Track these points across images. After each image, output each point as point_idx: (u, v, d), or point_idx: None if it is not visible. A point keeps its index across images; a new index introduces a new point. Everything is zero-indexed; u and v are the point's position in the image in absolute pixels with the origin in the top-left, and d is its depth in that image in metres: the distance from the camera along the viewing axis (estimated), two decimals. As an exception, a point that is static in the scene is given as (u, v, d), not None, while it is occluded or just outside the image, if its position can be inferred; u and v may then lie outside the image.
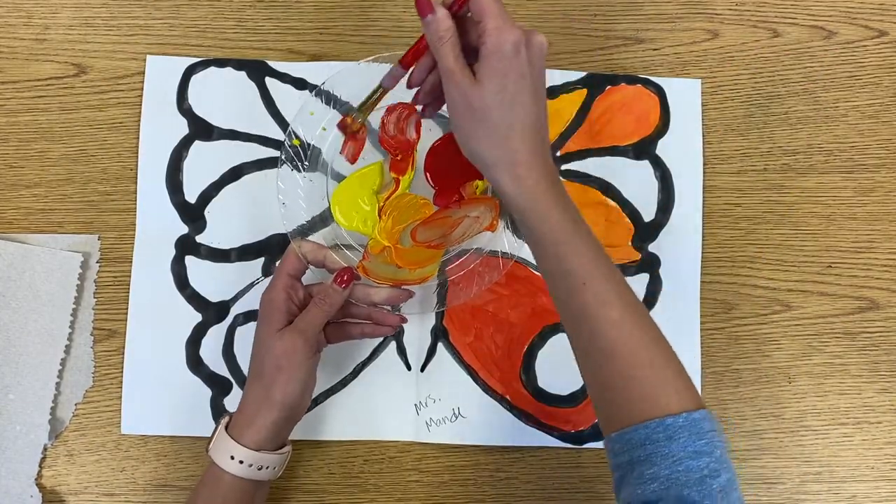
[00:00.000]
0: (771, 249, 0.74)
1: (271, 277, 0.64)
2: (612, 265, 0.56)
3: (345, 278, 0.64)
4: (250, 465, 0.60)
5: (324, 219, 0.70)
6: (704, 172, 0.74)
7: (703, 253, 0.73)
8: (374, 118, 0.66)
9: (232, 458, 0.60)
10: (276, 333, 0.62)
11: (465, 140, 0.57)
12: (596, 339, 0.55)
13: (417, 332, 0.72)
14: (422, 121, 0.67)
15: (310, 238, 0.68)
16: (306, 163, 0.70)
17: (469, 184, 0.68)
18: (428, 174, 0.68)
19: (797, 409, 0.72)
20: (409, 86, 0.61)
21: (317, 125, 0.69)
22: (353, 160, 0.68)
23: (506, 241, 0.69)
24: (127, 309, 0.71)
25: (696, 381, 0.72)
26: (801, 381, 0.73)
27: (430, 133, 0.70)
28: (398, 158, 0.68)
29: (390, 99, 0.63)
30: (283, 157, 0.69)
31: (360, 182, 0.69)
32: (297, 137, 0.69)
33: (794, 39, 0.76)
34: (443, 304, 0.70)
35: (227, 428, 0.62)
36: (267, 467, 0.61)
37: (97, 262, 0.72)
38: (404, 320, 0.69)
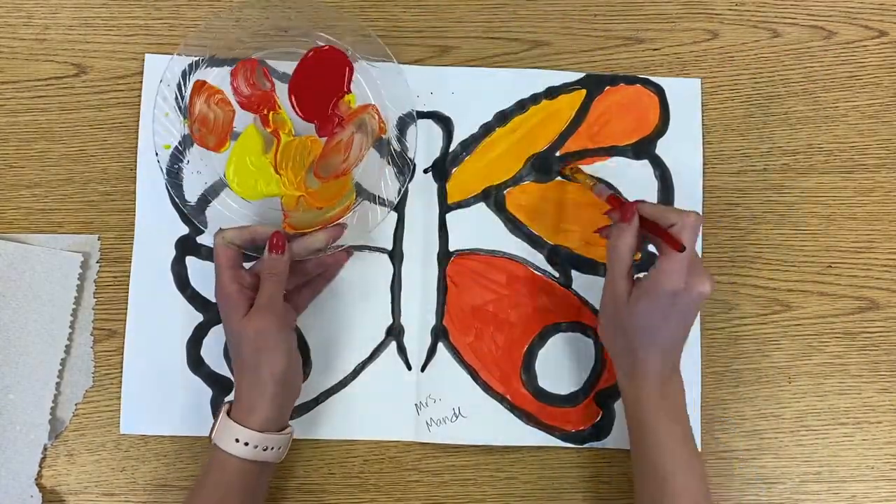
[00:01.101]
0: (771, 249, 0.74)
1: (215, 277, 0.65)
2: (700, 468, 0.63)
3: (277, 243, 0.64)
4: (255, 447, 0.61)
5: (216, 189, 0.71)
6: (704, 172, 0.74)
7: (702, 252, 0.73)
8: (225, 85, 0.70)
9: (237, 440, 0.61)
10: (243, 320, 0.63)
11: (604, 335, 0.66)
12: None
13: (417, 333, 0.72)
14: (267, 66, 0.70)
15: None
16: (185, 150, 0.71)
17: (341, 102, 0.70)
18: (298, 112, 0.70)
19: (797, 409, 0.72)
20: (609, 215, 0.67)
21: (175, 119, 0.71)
22: (218, 147, 0.70)
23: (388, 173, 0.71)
24: (127, 309, 0.71)
25: (697, 381, 0.72)
26: (801, 381, 0.73)
27: (281, 75, 0.72)
28: (265, 112, 0.70)
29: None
30: (159, 159, 0.70)
31: (243, 151, 0.70)
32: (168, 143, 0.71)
33: (794, 39, 0.76)
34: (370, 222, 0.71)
35: (228, 414, 0.63)
36: (272, 448, 0.62)
37: (97, 262, 0.72)
38: (351, 252, 0.71)
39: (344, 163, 0.69)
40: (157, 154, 0.69)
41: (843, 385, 0.73)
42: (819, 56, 0.76)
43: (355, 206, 0.70)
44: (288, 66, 0.71)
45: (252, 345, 0.62)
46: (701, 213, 0.73)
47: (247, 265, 0.67)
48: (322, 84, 0.70)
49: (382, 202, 0.70)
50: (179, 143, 0.70)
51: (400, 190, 0.71)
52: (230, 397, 0.71)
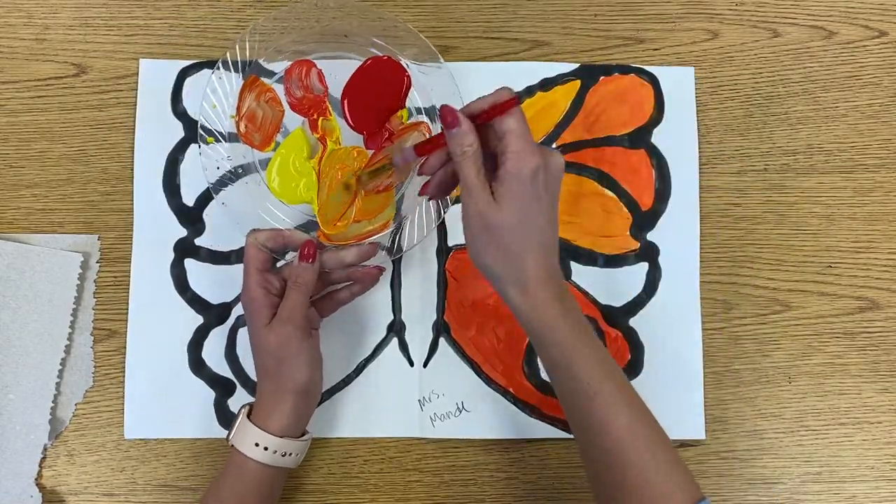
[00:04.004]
0: (771, 249, 0.74)
1: (242, 278, 0.64)
2: (620, 372, 0.60)
3: (308, 252, 0.63)
4: (275, 452, 0.62)
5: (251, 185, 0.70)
6: (700, 160, 0.74)
7: (702, 252, 0.73)
8: (279, 88, 0.69)
9: (257, 444, 0.61)
10: (265, 329, 0.62)
11: (476, 253, 0.59)
12: (604, 443, 0.57)
13: (419, 328, 0.72)
14: (322, 70, 0.68)
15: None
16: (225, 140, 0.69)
17: (394, 117, 0.68)
18: (349, 120, 0.68)
19: (797, 409, 0.72)
20: (421, 173, 0.62)
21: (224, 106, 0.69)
22: (263, 146, 0.69)
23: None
24: (127, 309, 0.71)
25: (698, 381, 0.72)
26: (801, 381, 0.73)
27: (336, 79, 0.70)
28: (315, 117, 0.69)
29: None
30: (201, 137, 0.68)
31: (288, 153, 0.69)
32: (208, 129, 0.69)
33: (794, 39, 0.76)
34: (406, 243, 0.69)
35: (248, 417, 0.63)
36: (290, 454, 0.63)
37: (97, 263, 0.72)
38: (382, 269, 0.68)
39: (388, 179, 0.67)
40: (199, 145, 0.68)
41: (843, 385, 0.73)
42: (819, 56, 0.76)
43: (394, 225, 0.69)
44: (343, 72, 0.69)
45: (273, 355, 0.62)
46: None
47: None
48: (377, 95, 0.67)
49: (420, 224, 0.69)
50: (179, 142, 0.70)
51: (436, 218, 0.69)
52: (233, 398, 0.71)
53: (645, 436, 0.57)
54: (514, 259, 0.57)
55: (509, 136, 0.56)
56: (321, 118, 0.69)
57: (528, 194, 0.57)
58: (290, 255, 0.66)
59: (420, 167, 0.62)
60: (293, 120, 0.70)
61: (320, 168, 0.68)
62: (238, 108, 0.69)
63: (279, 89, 0.69)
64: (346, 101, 0.69)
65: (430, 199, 0.65)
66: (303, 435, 0.64)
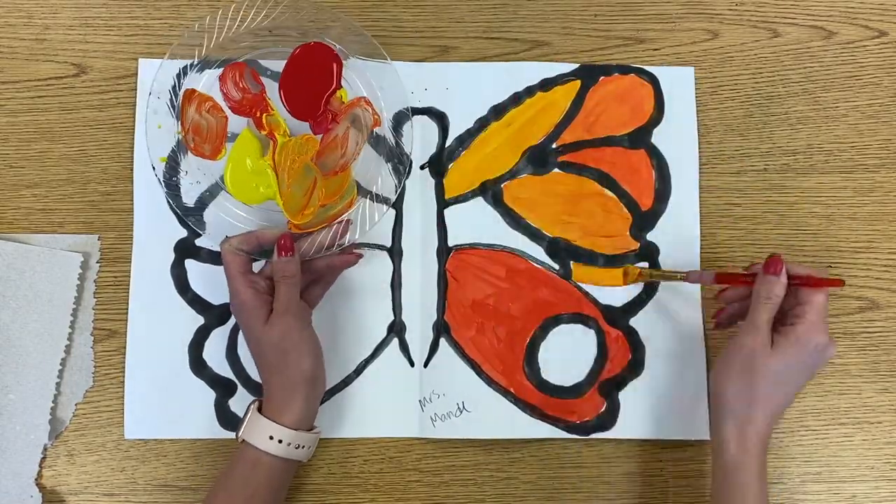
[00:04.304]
0: (771, 249, 0.74)
1: (228, 286, 0.65)
2: None
3: (285, 244, 0.65)
4: (289, 444, 0.62)
5: (212, 192, 0.71)
6: (700, 160, 0.74)
7: (702, 252, 0.73)
8: (216, 93, 0.70)
9: (271, 437, 0.62)
10: (264, 326, 0.63)
11: (723, 379, 0.64)
12: None
13: (419, 328, 0.72)
14: (255, 68, 0.70)
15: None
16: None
17: (333, 97, 0.70)
18: (290, 110, 0.70)
19: (797, 409, 0.72)
20: (718, 299, 0.70)
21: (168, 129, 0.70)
22: (214, 155, 0.70)
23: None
24: (127, 309, 0.71)
25: (699, 381, 0.72)
26: (802, 380, 0.73)
27: (270, 75, 0.72)
28: (258, 115, 0.70)
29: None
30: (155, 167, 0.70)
31: (240, 155, 0.70)
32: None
33: (794, 39, 0.76)
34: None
35: (259, 412, 0.64)
36: (303, 446, 0.63)
37: (97, 263, 0.72)
38: (360, 255, 0.69)
39: (342, 158, 0.69)
40: (153, 167, 0.69)
41: (843, 385, 0.73)
42: (819, 56, 0.76)
43: (358, 202, 0.69)
44: (279, 66, 0.71)
45: (277, 349, 0.63)
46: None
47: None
48: (311, 80, 0.70)
49: (381, 199, 0.70)
50: (173, 149, 0.70)
51: (397, 187, 0.71)
52: (234, 398, 0.71)
53: None
54: (752, 402, 0.63)
55: (812, 308, 0.63)
56: (264, 114, 0.70)
57: (800, 363, 0.63)
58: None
59: (719, 294, 0.70)
60: (238, 124, 0.70)
61: (275, 162, 0.69)
62: (182, 123, 0.69)
63: (218, 97, 0.70)
64: (282, 92, 0.70)
65: (716, 328, 0.71)
66: (313, 428, 0.65)
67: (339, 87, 0.70)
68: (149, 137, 0.69)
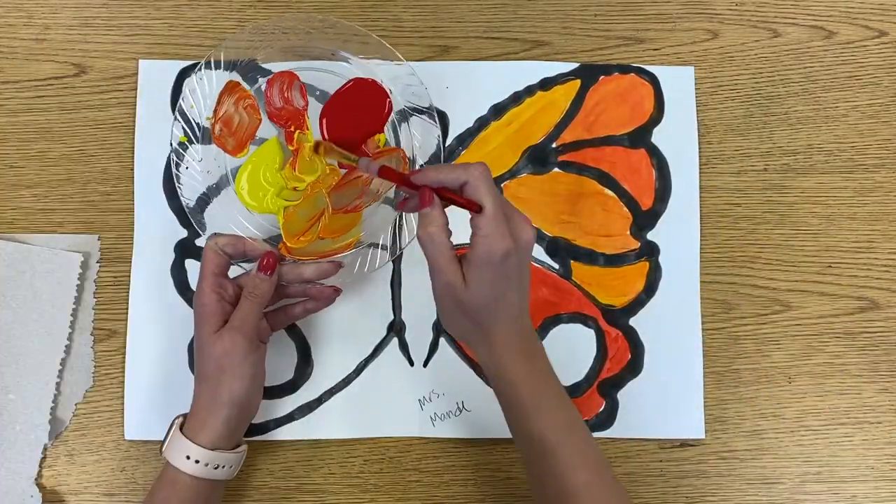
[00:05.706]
0: (771, 249, 0.74)
1: (197, 281, 0.64)
2: (584, 427, 0.61)
3: (267, 264, 0.63)
4: (206, 465, 0.60)
5: (219, 187, 0.70)
6: (700, 160, 0.74)
7: (702, 252, 0.74)
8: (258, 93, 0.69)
9: (188, 457, 0.60)
10: (213, 335, 0.61)
11: (448, 323, 0.62)
12: (560, 498, 0.58)
13: (419, 328, 0.72)
14: (304, 84, 0.69)
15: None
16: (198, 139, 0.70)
17: (371, 140, 0.68)
18: (327, 138, 0.68)
19: (797, 409, 0.72)
20: (399, 209, 0.65)
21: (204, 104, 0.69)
22: (236, 152, 0.69)
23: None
24: (127, 309, 0.71)
25: (698, 381, 0.72)
26: (801, 381, 0.73)
27: (318, 95, 0.70)
28: (292, 129, 0.68)
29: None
30: (173, 136, 0.69)
31: (260, 162, 0.69)
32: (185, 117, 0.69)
33: (794, 39, 0.76)
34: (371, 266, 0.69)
35: (181, 429, 0.61)
36: (223, 466, 0.61)
37: (97, 262, 0.72)
38: (339, 291, 0.67)
39: (357, 199, 0.67)
40: (171, 145, 0.68)
41: (843, 385, 0.73)
42: (819, 56, 0.76)
43: (358, 246, 0.68)
44: (325, 87, 0.70)
45: (216, 363, 0.61)
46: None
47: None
48: (357, 116, 0.67)
49: (384, 248, 0.69)
50: (179, 144, 0.70)
51: (405, 243, 0.69)
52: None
53: (599, 493, 0.58)
54: (484, 331, 0.59)
55: (481, 220, 0.57)
56: (298, 131, 0.69)
57: (499, 275, 0.57)
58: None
59: (399, 203, 0.64)
60: (268, 131, 0.70)
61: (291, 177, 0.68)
62: (215, 111, 0.69)
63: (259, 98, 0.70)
64: (324, 120, 0.69)
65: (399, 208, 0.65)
66: (237, 447, 0.63)
67: (382, 131, 0.69)
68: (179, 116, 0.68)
